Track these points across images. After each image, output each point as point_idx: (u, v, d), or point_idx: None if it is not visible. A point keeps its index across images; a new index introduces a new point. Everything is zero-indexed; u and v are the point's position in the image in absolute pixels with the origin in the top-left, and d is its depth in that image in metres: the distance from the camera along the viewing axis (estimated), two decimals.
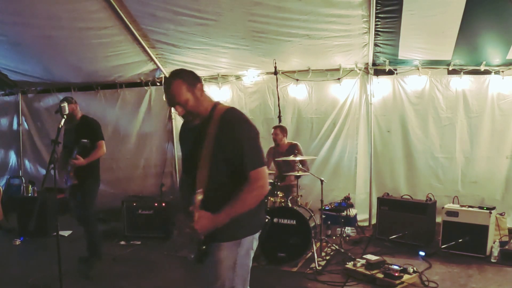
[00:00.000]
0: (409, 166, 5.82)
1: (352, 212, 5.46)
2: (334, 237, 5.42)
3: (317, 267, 4.33)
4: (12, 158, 7.74)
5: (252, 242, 2.22)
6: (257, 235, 2.25)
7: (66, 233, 5.75)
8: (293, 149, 5.20)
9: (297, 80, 6.11)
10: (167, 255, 5.03)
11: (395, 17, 4.63)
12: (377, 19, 4.73)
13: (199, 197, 2.00)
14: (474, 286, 3.87)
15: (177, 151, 6.72)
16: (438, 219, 5.06)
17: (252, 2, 4.59)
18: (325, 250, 4.94)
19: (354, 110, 5.99)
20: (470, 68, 5.41)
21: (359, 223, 5.85)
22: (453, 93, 5.57)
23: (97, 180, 4.52)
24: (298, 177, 4.92)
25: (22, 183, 7.30)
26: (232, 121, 2.11)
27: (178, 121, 6.73)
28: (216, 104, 2.20)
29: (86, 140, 4.14)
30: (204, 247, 2.09)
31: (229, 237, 2.13)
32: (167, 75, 7.54)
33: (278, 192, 4.81)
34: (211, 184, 2.07)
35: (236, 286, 2.14)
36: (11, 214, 6.19)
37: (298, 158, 4.84)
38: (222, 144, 2.07)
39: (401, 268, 3.95)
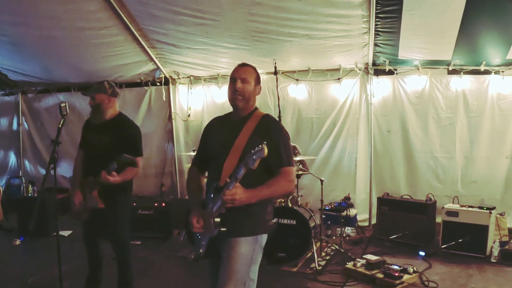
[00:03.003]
0: (409, 166, 5.81)
1: (352, 212, 5.46)
2: (334, 237, 5.42)
3: (317, 267, 4.33)
4: (12, 158, 7.74)
5: (264, 240, 2.36)
6: (266, 235, 2.38)
7: (66, 233, 5.74)
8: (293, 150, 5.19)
9: (297, 80, 6.10)
10: (167, 255, 5.03)
11: (395, 17, 4.62)
12: (377, 19, 4.73)
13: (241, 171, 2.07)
14: (474, 286, 3.87)
15: (177, 151, 6.72)
16: (438, 219, 5.06)
17: (252, 2, 4.59)
18: (325, 250, 4.93)
19: (354, 110, 5.98)
20: (470, 68, 5.40)
21: (359, 223, 5.84)
22: (453, 93, 5.56)
23: (130, 197, 3.72)
24: (298, 177, 4.92)
25: (22, 183, 7.29)
26: (270, 123, 2.37)
27: (178, 121, 6.73)
28: (257, 108, 2.46)
29: (130, 157, 3.30)
30: (224, 229, 2.18)
31: (249, 232, 2.27)
32: (167, 75, 7.44)
33: None
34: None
35: (250, 280, 2.24)
36: (11, 214, 6.18)
37: (298, 158, 4.83)
38: (258, 140, 2.08)
39: (401, 268, 3.95)
